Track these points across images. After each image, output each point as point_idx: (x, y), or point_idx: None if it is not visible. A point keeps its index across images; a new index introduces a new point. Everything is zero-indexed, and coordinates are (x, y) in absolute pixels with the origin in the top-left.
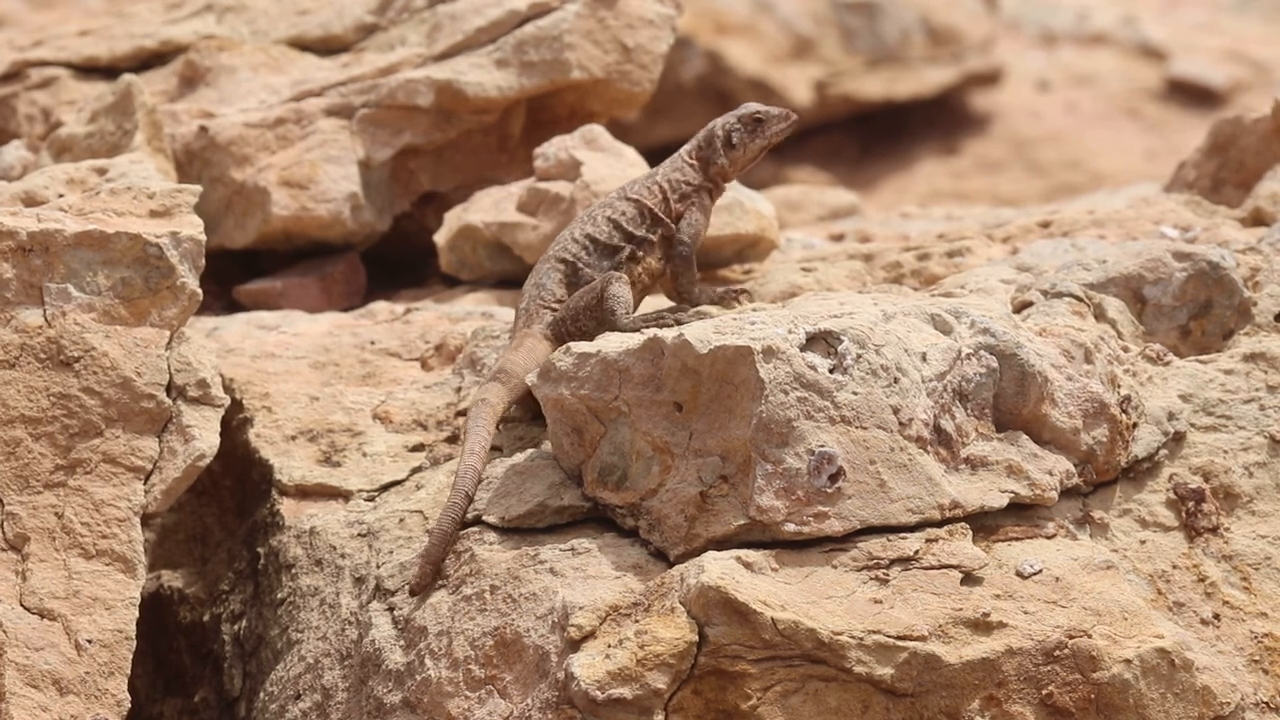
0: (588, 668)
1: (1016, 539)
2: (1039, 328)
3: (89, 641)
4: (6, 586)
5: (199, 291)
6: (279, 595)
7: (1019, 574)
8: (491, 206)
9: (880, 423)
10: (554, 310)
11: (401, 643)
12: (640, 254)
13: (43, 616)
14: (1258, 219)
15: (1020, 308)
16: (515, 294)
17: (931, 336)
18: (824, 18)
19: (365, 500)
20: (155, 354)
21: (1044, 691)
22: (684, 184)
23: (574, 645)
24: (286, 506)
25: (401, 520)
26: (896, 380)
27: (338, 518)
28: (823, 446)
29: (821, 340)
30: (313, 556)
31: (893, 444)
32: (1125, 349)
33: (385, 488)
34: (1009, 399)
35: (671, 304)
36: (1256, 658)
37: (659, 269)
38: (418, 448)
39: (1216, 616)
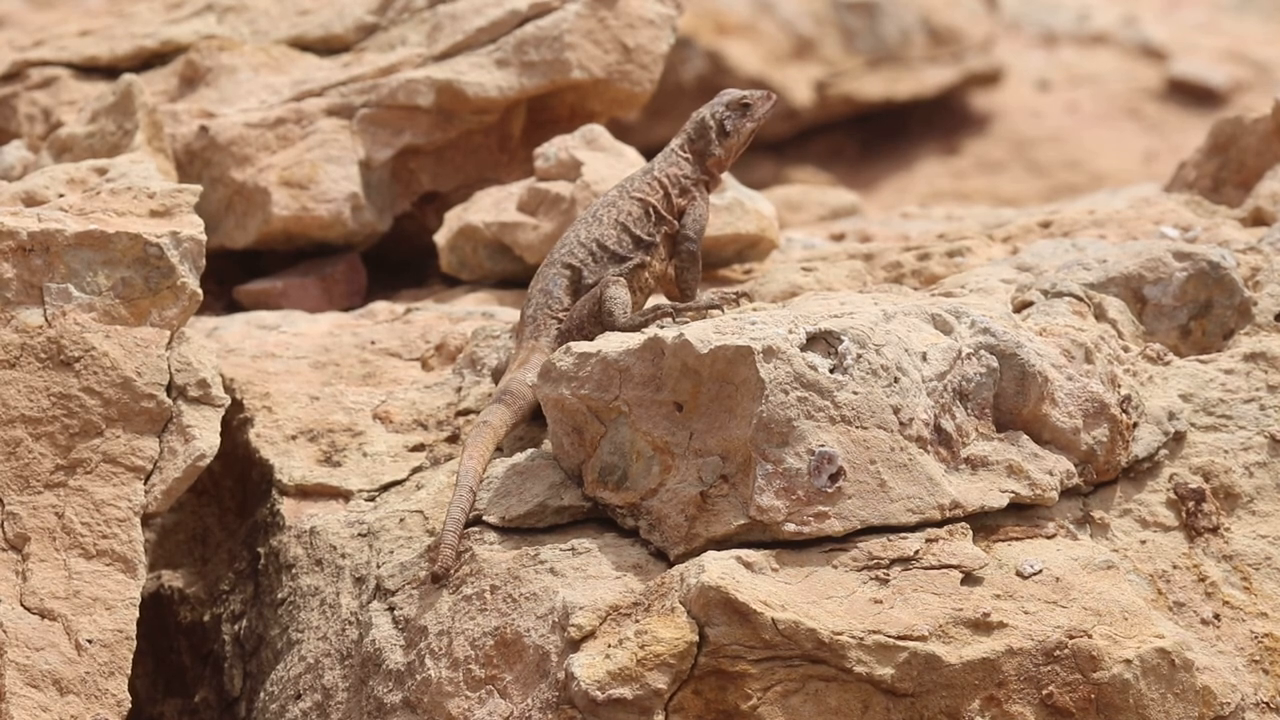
0: (588, 668)
1: (1017, 539)
2: (1039, 328)
3: (89, 641)
4: (7, 586)
5: (199, 291)
6: (279, 595)
7: (1019, 574)
8: (492, 206)
9: (880, 423)
10: (560, 320)
11: (402, 643)
12: (648, 259)
13: (43, 616)
14: (1258, 219)
15: (1020, 308)
16: (516, 294)
17: (932, 336)
18: (824, 18)
19: (365, 500)
20: (155, 354)
21: (1044, 691)
22: (683, 178)
23: (574, 645)
24: (287, 506)
25: (402, 520)
26: (897, 380)
27: (338, 518)
28: (823, 446)
29: (822, 340)
30: (313, 556)
31: (893, 444)
32: (1125, 349)
33: (385, 488)
34: (1009, 399)
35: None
36: (1257, 658)
37: (663, 270)
38: (418, 448)
39: (1217, 616)
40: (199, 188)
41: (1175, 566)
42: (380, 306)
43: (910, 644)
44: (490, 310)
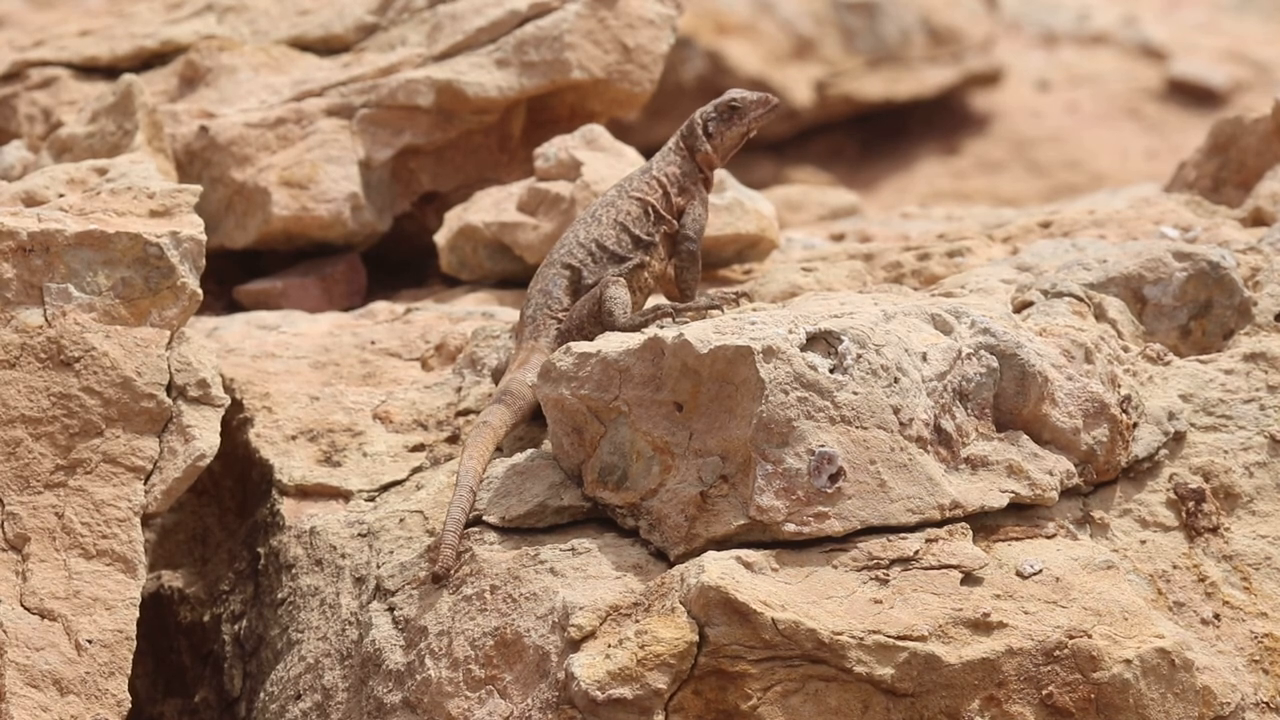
0: (588, 668)
1: (1017, 539)
2: (1039, 328)
3: (89, 642)
4: (7, 586)
5: (199, 291)
6: (279, 595)
7: (1019, 574)
8: (492, 206)
9: (880, 423)
10: (559, 320)
11: (401, 643)
12: (647, 259)
13: (43, 617)
14: (1258, 219)
15: (1020, 308)
16: (515, 294)
17: (932, 336)
18: (824, 18)
19: (365, 500)
20: (155, 354)
21: (1044, 691)
22: (680, 177)
23: (574, 645)
24: (287, 506)
25: (402, 520)
26: (897, 380)
27: (338, 518)
28: (823, 446)
29: (822, 340)
30: (313, 556)
31: (893, 444)
32: (1125, 349)
33: (385, 488)
34: (1009, 399)
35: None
36: (1256, 658)
37: (663, 270)
38: (418, 448)
39: (1217, 616)
40: (199, 188)
41: (1175, 566)
42: (380, 306)
43: (910, 644)
44: (490, 310)
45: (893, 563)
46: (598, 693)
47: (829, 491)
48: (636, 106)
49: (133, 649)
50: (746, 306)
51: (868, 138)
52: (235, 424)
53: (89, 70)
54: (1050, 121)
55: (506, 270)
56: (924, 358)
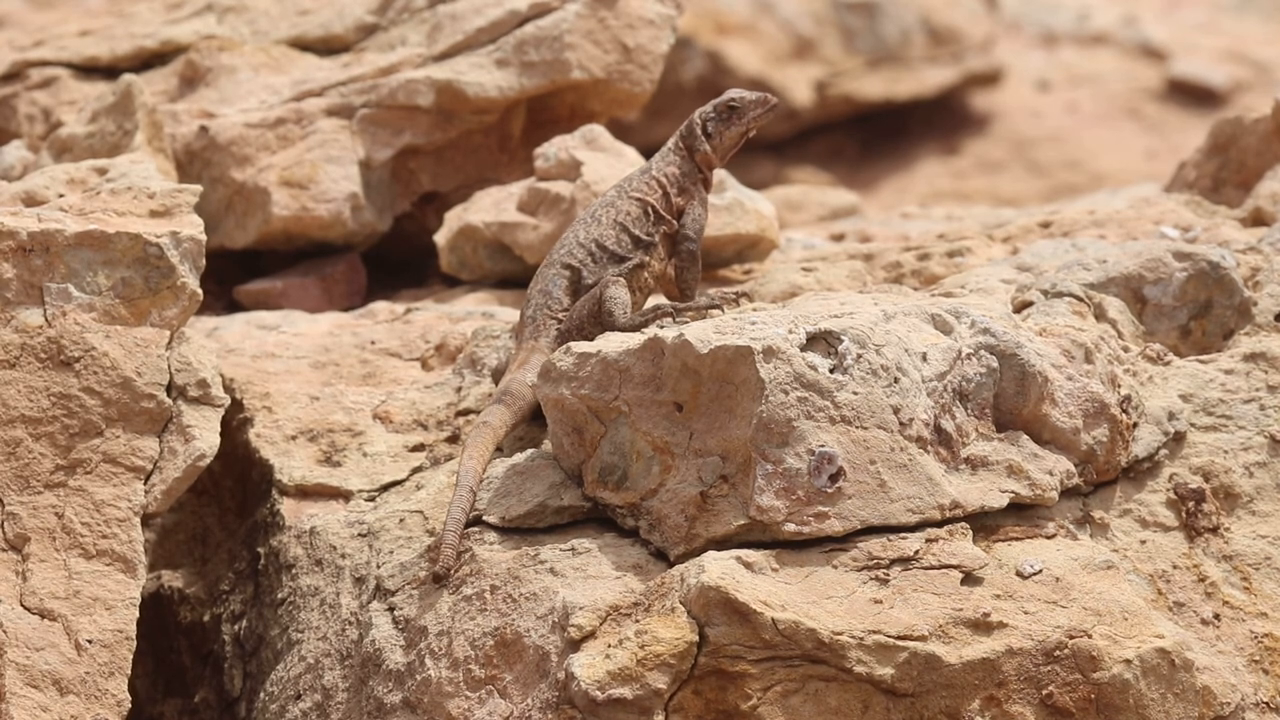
0: (588, 668)
1: (1017, 539)
2: (1039, 328)
3: (89, 642)
4: (7, 586)
5: (199, 291)
6: (279, 595)
7: (1019, 574)
8: (492, 206)
9: (880, 423)
10: (559, 320)
11: (402, 643)
12: (647, 259)
13: (43, 616)
14: (1258, 219)
15: (1020, 308)
16: (516, 294)
17: (932, 336)
18: (824, 18)
19: (365, 500)
20: (155, 354)
21: (1044, 691)
22: (680, 177)
23: (574, 645)
24: (287, 506)
25: (402, 520)
26: (897, 380)
27: (338, 518)
28: (823, 446)
29: (822, 340)
30: (313, 556)
31: (893, 444)
32: (1125, 349)
33: (385, 488)
34: (1009, 399)
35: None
36: (1256, 658)
37: (663, 270)
38: (418, 448)
39: (1217, 616)
40: (199, 188)
41: (1175, 566)
42: (380, 306)
43: (910, 644)
44: (490, 310)
45: (893, 563)
46: (598, 693)
47: (829, 491)
48: (636, 106)
49: (133, 649)
50: (746, 306)
51: (868, 138)
52: (235, 424)
53: (89, 70)
54: (1050, 121)
55: (506, 270)
56: (924, 358)
